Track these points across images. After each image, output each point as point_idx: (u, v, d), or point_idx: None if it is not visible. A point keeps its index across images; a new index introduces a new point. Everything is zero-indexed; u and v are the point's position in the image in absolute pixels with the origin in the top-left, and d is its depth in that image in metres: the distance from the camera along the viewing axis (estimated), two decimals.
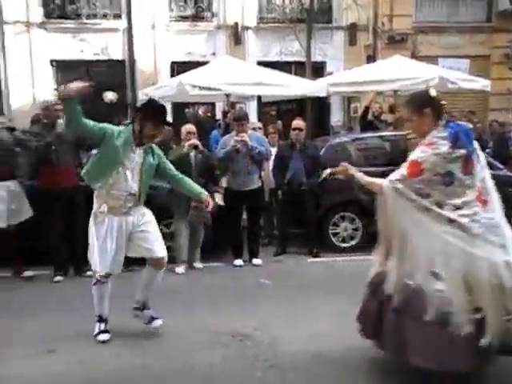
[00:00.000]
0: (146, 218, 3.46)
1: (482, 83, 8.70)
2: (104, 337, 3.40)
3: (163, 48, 11.80)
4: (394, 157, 6.03)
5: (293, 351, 3.21)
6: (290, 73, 10.03)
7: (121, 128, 3.39)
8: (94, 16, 11.63)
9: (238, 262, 5.43)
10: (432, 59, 10.17)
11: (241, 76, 7.63)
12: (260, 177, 5.59)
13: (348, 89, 8.77)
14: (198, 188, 3.64)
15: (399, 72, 8.05)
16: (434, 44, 11.99)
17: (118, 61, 11.59)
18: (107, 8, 11.71)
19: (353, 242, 6.04)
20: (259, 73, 8.25)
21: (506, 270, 2.46)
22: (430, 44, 11.95)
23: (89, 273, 4.91)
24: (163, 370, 3.02)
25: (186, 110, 12.16)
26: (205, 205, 3.57)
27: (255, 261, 5.48)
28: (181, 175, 3.63)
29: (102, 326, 3.45)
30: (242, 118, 5.38)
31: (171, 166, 3.59)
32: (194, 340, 3.41)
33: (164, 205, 5.23)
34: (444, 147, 2.52)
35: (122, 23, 11.17)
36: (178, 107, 11.78)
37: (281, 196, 5.90)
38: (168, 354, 3.21)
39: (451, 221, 2.51)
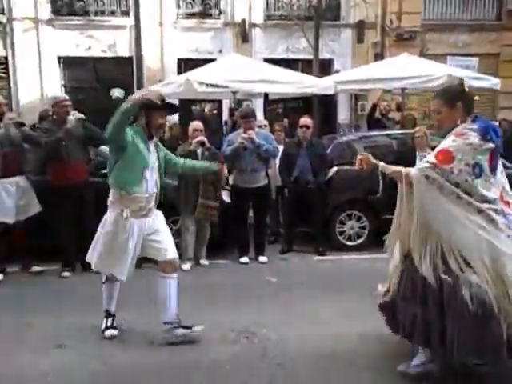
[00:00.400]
0: (159, 218, 3.38)
1: (491, 82, 8.63)
2: (111, 332, 3.40)
3: (170, 45, 11.82)
4: (401, 155, 6.01)
5: (300, 349, 3.21)
6: (297, 70, 10.00)
7: (131, 129, 3.17)
8: (102, 13, 11.68)
9: (244, 259, 5.44)
10: (440, 57, 10.10)
11: (248, 73, 7.62)
12: (267, 174, 5.58)
13: (355, 86, 8.73)
14: (206, 163, 3.88)
15: (407, 70, 7.99)
16: (443, 42, 11.91)
17: (125, 58, 11.62)
18: (115, 5, 11.75)
19: (359, 241, 6.03)
20: (266, 70, 8.23)
21: None
22: (438, 42, 11.87)
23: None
24: (171, 367, 3.03)
25: (193, 108, 12.17)
26: (219, 171, 3.70)
27: (261, 258, 5.48)
28: (184, 159, 3.69)
29: (109, 322, 3.44)
30: (249, 116, 5.37)
31: (173, 155, 3.60)
32: (200, 337, 3.40)
33: (171, 202, 5.24)
34: (475, 138, 2.54)
35: (129, 20, 11.20)
36: (185, 104, 11.80)
37: (287, 194, 5.89)
38: (175, 351, 3.22)
39: (480, 211, 2.52)
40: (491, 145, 2.56)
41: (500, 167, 2.70)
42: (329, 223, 5.99)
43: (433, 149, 6.11)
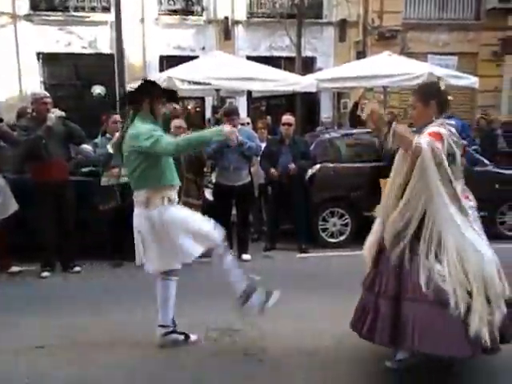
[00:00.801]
0: None
1: (470, 80, 8.78)
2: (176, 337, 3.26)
3: (152, 42, 11.71)
4: (383, 152, 6.08)
5: (281, 346, 3.21)
6: (280, 68, 10.03)
7: (146, 123, 3.05)
8: (82, 9, 11.50)
9: None
10: (421, 56, 10.23)
11: (230, 71, 7.60)
12: (249, 172, 5.57)
13: (337, 85, 8.79)
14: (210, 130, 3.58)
15: (388, 68, 8.08)
16: (424, 41, 12.06)
17: (106, 54, 11.47)
18: (95, 1, 11.58)
19: (342, 238, 6.07)
20: (249, 68, 8.23)
21: (488, 263, 2.55)
22: (419, 41, 12.02)
23: (76, 268, 4.90)
24: (152, 365, 3.01)
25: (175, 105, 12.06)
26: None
27: (244, 256, 5.48)
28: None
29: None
30: (233, 113, 5.35)
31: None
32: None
33: None
34: (454, 131, 2.62)
35: (110, 16, 11.04)
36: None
37: (270, 192, 5.90)
38: (156, 350, 3.20)
39: (458, 200, 2.58)
40: (464, 142, 2.72)
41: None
42: (311, 221, 6.02)
43: None
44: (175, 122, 5.38)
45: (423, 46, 11.82)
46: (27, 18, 11.27)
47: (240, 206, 5.53)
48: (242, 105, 10.42)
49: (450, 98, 2.79)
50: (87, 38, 11.51)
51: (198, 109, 12.37)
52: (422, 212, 2.58)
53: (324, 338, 3.27)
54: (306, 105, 10.82)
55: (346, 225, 6.06)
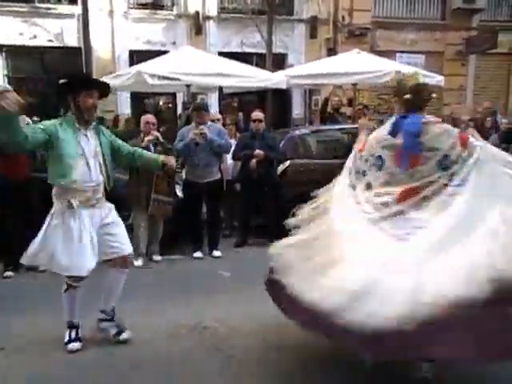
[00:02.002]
0: (113, 213, 3.25)
1: (436, 79, 8.99)
2: (74, 346, 3.11)
3: (121, 36, 11.47)
4: (352, 148, 6.17)
5: (251, 342, 3.24)
6: (251, 64, 10.00)
7: (59, 120, 3.07)
8: (48, 0, 11.15)
9: (198, 254, 5.41)
10: (390, 54, 10.42)
11: (201, 66, 7.54)
12: (219, 169, 5.56)
13: (308, 81, 8.86)
14: (154, 156, 3.52)
15: (358, 66, 8.20)
16: (393, 39, 12.29)
17: (73, 48, 11.16)
18: None
19: None
20: (220, 63, 8.19)
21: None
22: (388, 39, 12.24)
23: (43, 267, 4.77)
24: (122, 362, 2.98)
25: (146, 101, 11.92)
26: (169, 166, 3.37)
27: (215, 253, 5.47)
28: (135, 148, 3.45)
29: (73, 334, 3.15)
30: (201, 108, 5.34)
31: (122, 142, 3.38)
32: (152, 332, 3.37)
33: (121, 197, 5.11)
34: (383, 131, 2.68)
35: (77, 8, 10.74)
36: (138, 97, 11.52)
37: (239, 188, 5.91)
38: (126, 346, 3.17)
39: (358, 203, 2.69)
40: (398, 141, 2.69)
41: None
42: (283, 216, 6.04)
43: None
44: (145, 118, 5.32)
45: (392, 44, 12.05)
46: None
47: (210, 202, 5.52)
48: (213, 101, 10.36)
49: (424, 96, 2.73)
50: (53, 30, 11.17)
51: (169, 105, 12.23)
52: None
53: (293, 334, 3.29)
54: (277, 101, 10.84)
55: None
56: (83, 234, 3.00)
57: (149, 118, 5.34)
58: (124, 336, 3.24)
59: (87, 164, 3.04)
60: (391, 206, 2.55)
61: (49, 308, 3.71)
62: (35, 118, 6.71)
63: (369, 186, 2.66)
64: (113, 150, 3.24)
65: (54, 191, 3.10)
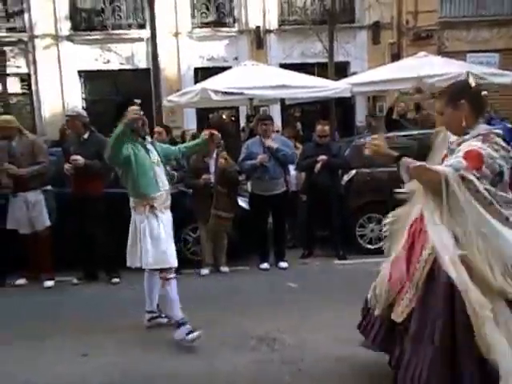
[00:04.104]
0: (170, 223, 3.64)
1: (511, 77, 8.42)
2: (195, 335, 3.36)
3: (186, 55, 11.98)
4: (420, 156, 5.91)
5: (320, 355, 3.18)
6: (313, 74, 10.00)
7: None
8: (119, 26, 11.93)
9: (264, 265, 5.42)
10: (459, 55, 9.92)
11: (263, 79, 7.64)
12: (285, 180, 5.56)
13: (372, 88, 8.66)
14: (198, 139, 4.01)
15: (424, 69, 7.87)
16: (461, 39, 11.72)
17: (143, 69, 11.84)
18: (131, 18, 11.99)
19: (380, 244, 5.92)
20: (282, 75, 8.25)
21: None
22: (456, 39, 11.69)
23: (115, 280, 5.02)
24: (189, 374, 3.03)
25: (210, 116, 12.28)
26: (212, 138, 3.77)
27: (281, 264, 5.46)
28: (181, 145, 4.10)
29: (188, 326, 3.42)
30: (266, 118, 5.47)
31: (167, 145, 4.02)
32: (220, 343, 3.41)
33: (189, 209, 5.28)
34: (503, 144, 2.23)
35: (146, 32, 11.40)
36: (203, 113, 11.91)
37: (305, 199, 5.87)
38: (194, 358, 3.23)
39: (507, 219, 2.21)
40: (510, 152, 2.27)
41: None
42: (349, 227, 5.93)
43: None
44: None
45: (461, 45, 11.48)
46: (69, 38, 11.82)
47: (276, 214, 5.53)
48: (275, 112, 10.46)
49: (484, 93, 2.43)
50: (125, 54, 11.92)
51: (232, 118, 12.52)
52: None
53: (364, 350, 3.20)
54: (340, 110, 10.71)
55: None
56: (166, 231, 3.45)
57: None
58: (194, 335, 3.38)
59: (156, 173, 3.48)
60: None
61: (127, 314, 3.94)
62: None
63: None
64: (165, 154, 3.73)
65: (132, 203, 3.48)
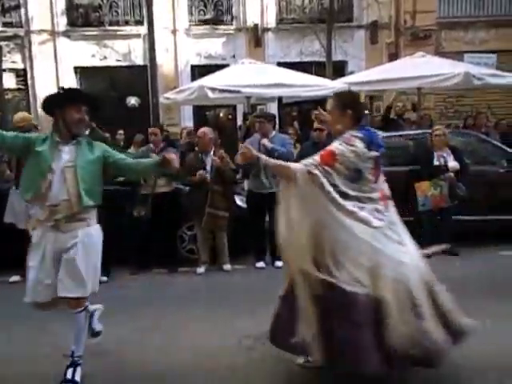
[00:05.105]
0: (81, 240, 2.78)
1: (510, 78, 8.44)
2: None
3: (184, 52, 11.93)
4: (417, 155, 5.91)
5: None
6: (311, 73, 9.97)
7: (47, 134, 2.94)
8: (116, 23, 11.86)
9: (261, 264, 5.41)
10: (457, 55, 9.93)
11: (261, 78, 7.62)
12: None
13: (369, 87, 8.64)
14: (153, 160, 3.18)
15: (422, 69, 7.88)
16: (459, 39, 11.74)
17: (140, 66, 11.78)
18: (129, 14, 11.93)
19: None
20: (279, 74, 8.23)
21: (406, 268, 2.55)
22: (454, 40, 11.71)
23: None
24: (186, 373, 3.02)
25: (207, 113, 12.26)
26: (167, 162, 2.88)
27: (277, 263, 5.43)
28: (135, 159, 3.25)
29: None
30: (261, 116, 5.55)
31: (122, 155, 3.07)
32: (216, 342, 3.40)
33: (185, 208, 5.27)
34: (360, 146, 2.62)
35: (143, 29, 11.35)
36: (200, 110, 11.88)
37: None
38: (190, 357, 3.21)
39: (351, 213, 2.56)
40: (375, 153, 2.64)
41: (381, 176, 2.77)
42: None
43: (450, 148, 6.02)
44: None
45: (459, 45, 11.50)
46: (65, 34, 11.74)
47: (273, 213, 5.49)
48: (272, 111, 10.41)
49: (365, 109, 2.86)
50: (122, 51, 11.86)
51: (229, 116, 12.49)
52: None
53: None
54: None
55: None
56: (36, 256, 2.78)
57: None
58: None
59: (55, 179, 2.76)
60: (383, 211, 2.66)
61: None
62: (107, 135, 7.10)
63: (344, 196, 2.60)
64: (105, 164, 2.94)
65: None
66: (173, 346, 3.38)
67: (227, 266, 5.34)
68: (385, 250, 2.55)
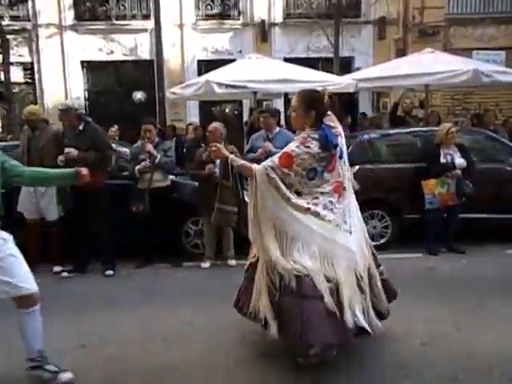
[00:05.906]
0: (6, 244, 2.71)
1: None
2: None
3: (190, 47, 11.91)
4: (424, 153, 5.87)
5: None
6: (318, 69, 9.93)
7: None
8: (123, 17, 11.85)
9: None
10: (465, 52, 9.85)
11: (267, 73, 7.58)
12: None
13: (376, 84, 8.58)
14: (64, 170, 3.06)
15: (430, 66, 7.81)
16: (468, 36, 11.64)
17: (146, 61, 11.77)
18: (136, 9, 11.91)
19: (382, 241, 5.91)
20: (286, 69, 8.18)
21: (355, 255, 2.86)
22: (463, 36, 11.60)
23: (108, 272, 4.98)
24: (188, 367, 3.02)
25: (213, 109, 12.23)
26: (80, 176, 2.84)
27: None
28: (32, 168, 3.10)
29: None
30: (265, 111, 5.59)
31: (16, 162, 2.90)
32: (220, 337, 3.40)
33: (190, 203, 5.26)
34: (315, 147, 2.79)
35: (150, 23, 11.33)
36: (206, 106, 11.87)
37: None
38: (193, 351, 3.21)
39: (307, 209, 2.79)
40: (328, 153, 2.81)
41: (346, 160, 2.95)
42: None
43: (457, 146, 5.96)
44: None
45: (468, 42, 11.41)
46: (72, 27, 11.75)
47: None
48: (278, 107, 10.39)
49: (328, 111, 2.92)
50: (128, 45, 11.85)
51: (235, 112, 12.47)
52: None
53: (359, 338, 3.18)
54: (343, 105, 10.63)
55: (386, 227, 5.90)
56: None
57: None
58: (65, 376, 2.78)
59: None
60: (335, 203, 2.85)
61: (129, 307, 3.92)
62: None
63: (299, 194, 2.83)
64: (5, 170, 2.78)
65: None
66: (176, 339, 3.38)
67: (232, 262, 5.33)
68: (336, 239, 2.82)
